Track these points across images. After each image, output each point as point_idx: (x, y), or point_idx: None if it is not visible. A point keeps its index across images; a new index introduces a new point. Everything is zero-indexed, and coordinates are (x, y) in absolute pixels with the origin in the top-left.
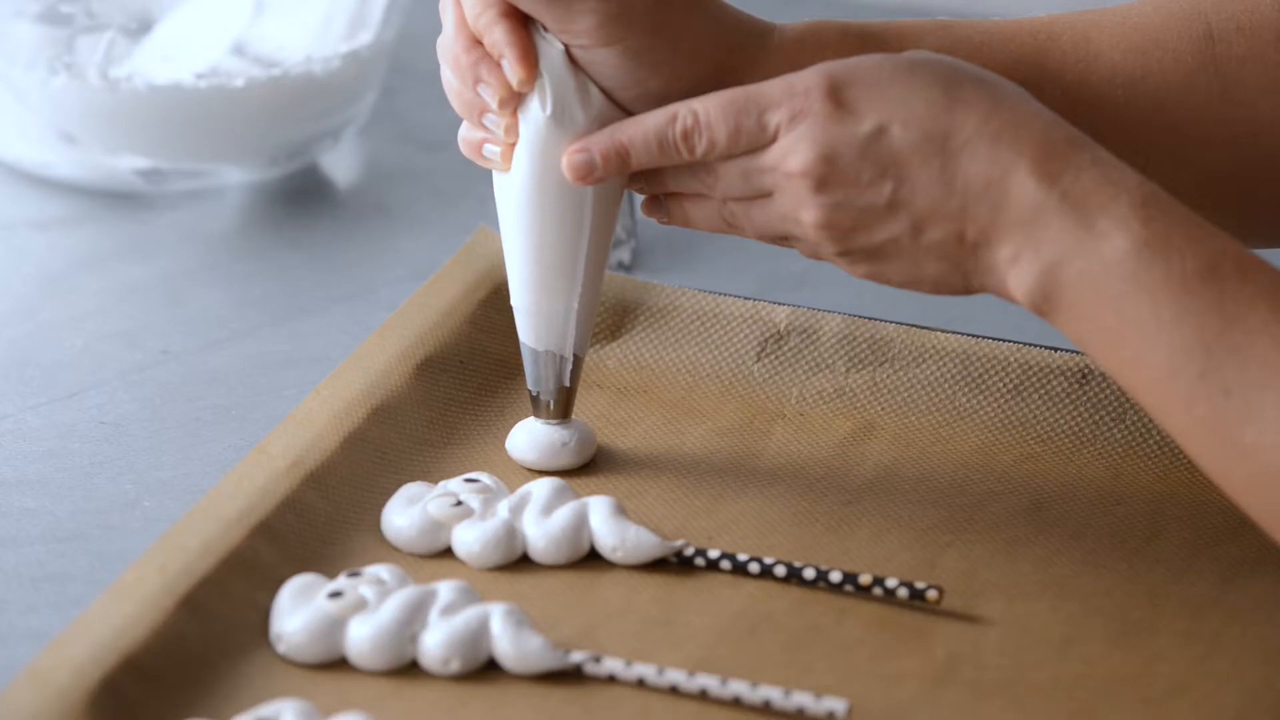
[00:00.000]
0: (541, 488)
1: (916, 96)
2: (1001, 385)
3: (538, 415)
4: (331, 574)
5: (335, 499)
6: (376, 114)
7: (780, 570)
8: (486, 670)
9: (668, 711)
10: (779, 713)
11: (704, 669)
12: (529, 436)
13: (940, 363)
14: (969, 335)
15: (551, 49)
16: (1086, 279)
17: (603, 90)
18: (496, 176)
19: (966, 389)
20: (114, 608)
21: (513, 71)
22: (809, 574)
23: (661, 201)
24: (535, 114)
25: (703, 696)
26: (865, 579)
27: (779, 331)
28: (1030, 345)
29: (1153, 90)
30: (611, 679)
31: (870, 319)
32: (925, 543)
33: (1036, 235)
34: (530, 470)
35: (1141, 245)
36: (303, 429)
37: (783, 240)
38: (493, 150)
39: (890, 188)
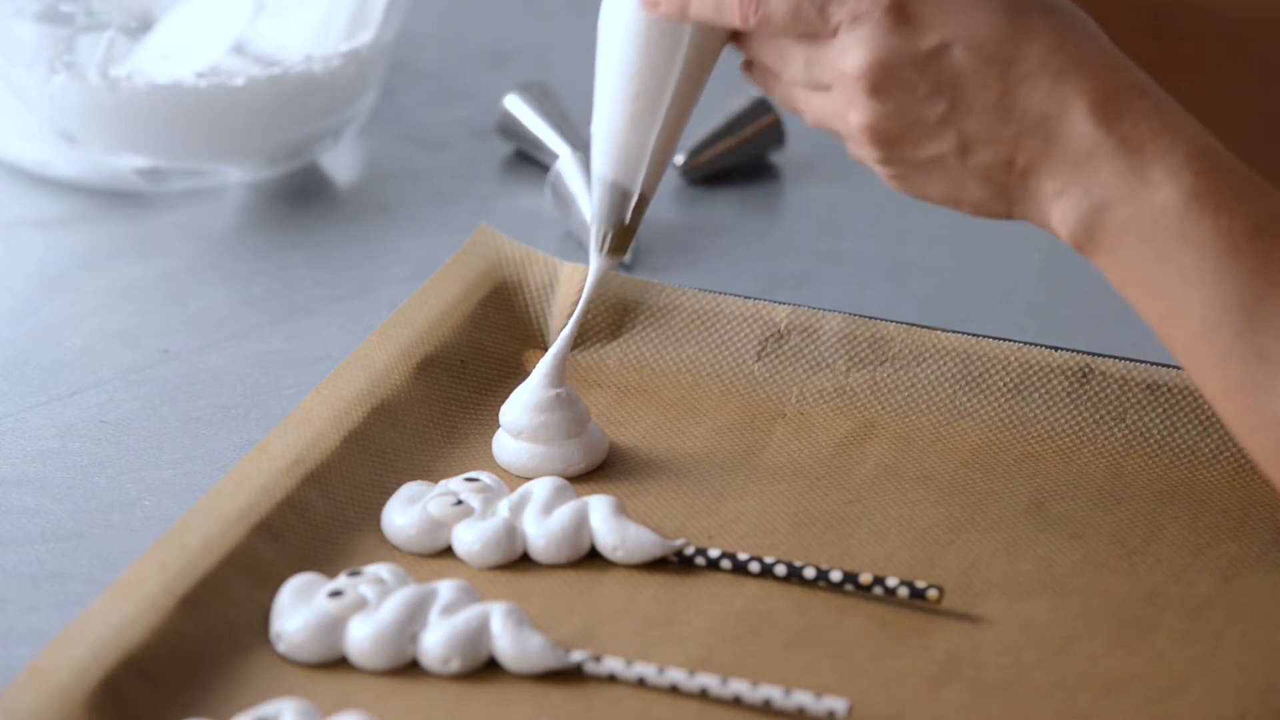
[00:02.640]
0: (542, 487)
1: (982, 19)
2: (1001, 385)
3: (594, 249)
4: (331, 573)
5: (335, 498)
6: (376, 114)
7: (780, 570)
8: (487, 669)
9: (668, 711)
10: (779, 712)
11: (704, 668)
12: (521, 448)
13: (940, 362)
14: (969, 334)
15: None
16: (1132, 225)
17: None
18: (605, 4)
19: (967, 388)
20: (114, 607)
21: None
22: (809, 573)
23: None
24: None
25: (703, 696)
26: (865, 578)
27: (779, 331)
28: (1030, 345)
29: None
30: (612, 678)
31: (871, 318)
32: (925, 542)
33: (1087, 175)
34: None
35: (1191, 198)
36: (303, 428)
37: (834, 134)
38: None
39: (944, 106)
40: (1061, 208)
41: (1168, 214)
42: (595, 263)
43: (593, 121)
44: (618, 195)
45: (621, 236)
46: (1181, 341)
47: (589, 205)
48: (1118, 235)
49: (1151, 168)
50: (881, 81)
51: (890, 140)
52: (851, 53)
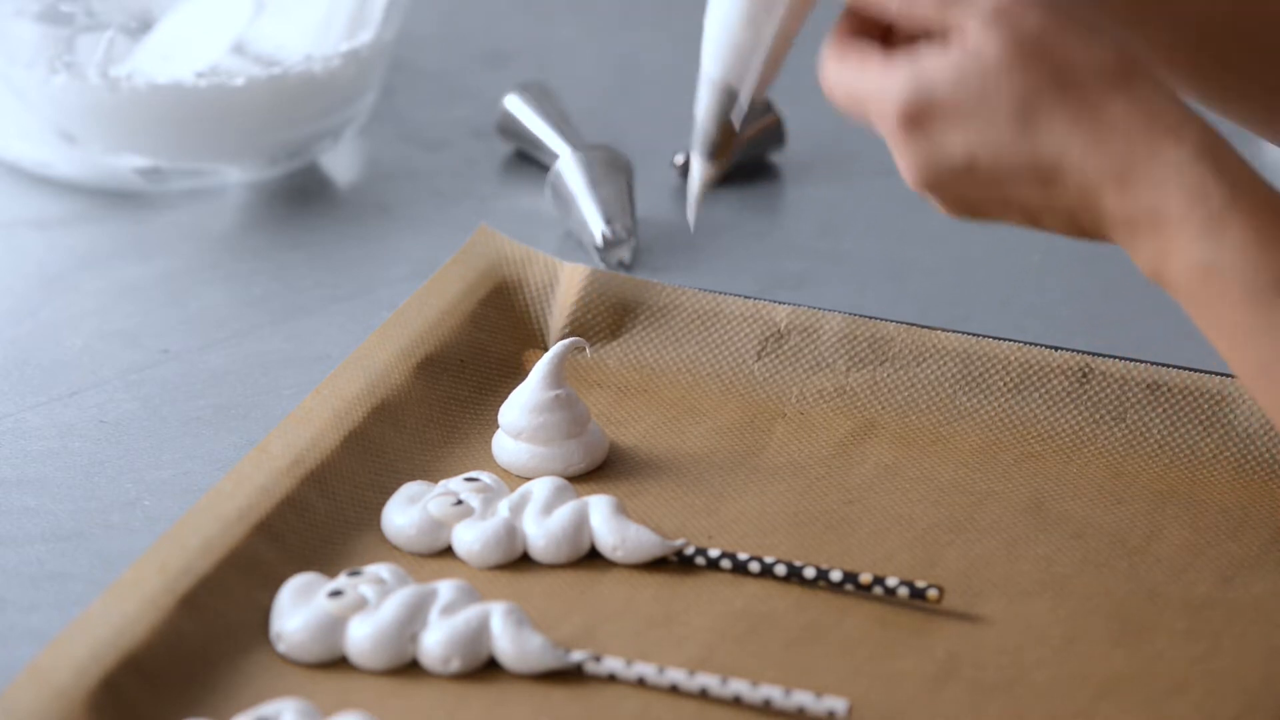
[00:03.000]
0: (542, 487)
1: (995, 129)
2: (1001, 384)
3: (693, 150)
4: (332, 573)
5: (335, 498)
6: (376, 114)
7: (780, 569)
8: (487, 669)
9: (668, 710)
10: (779, 712)
11: (704, 668)
12: (520, 447)
13: (940, 362)
14: (969, 334)
15: None
16: (1177, 284)
17: None
18: None
19: (967, 388)
20: (114, 607)
21: None
22: (809, 573)
23: None
24: None
25: (703, 696)
26: (865, 578)
27: (779, 330)
28: (1030, 344)
29: None
30: (612, 678)
31: (871, 318)
32: (925, 542)
33: (1133, 238)
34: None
35: (1210, 262)
36: (303, 428)
37: None
38: None
39: (991, 194)
40: (1131, 252)
41: (1191, 272)
42: (698, 167)
43: (705, 17)
44: (725, 96)
45: (725, 139)
46: (1242, 375)
47: (696, 103)
48: (1171, 288)
49: (1175, 235)
50: (926, 179)
51: (935, 186)
52: (893, 151)
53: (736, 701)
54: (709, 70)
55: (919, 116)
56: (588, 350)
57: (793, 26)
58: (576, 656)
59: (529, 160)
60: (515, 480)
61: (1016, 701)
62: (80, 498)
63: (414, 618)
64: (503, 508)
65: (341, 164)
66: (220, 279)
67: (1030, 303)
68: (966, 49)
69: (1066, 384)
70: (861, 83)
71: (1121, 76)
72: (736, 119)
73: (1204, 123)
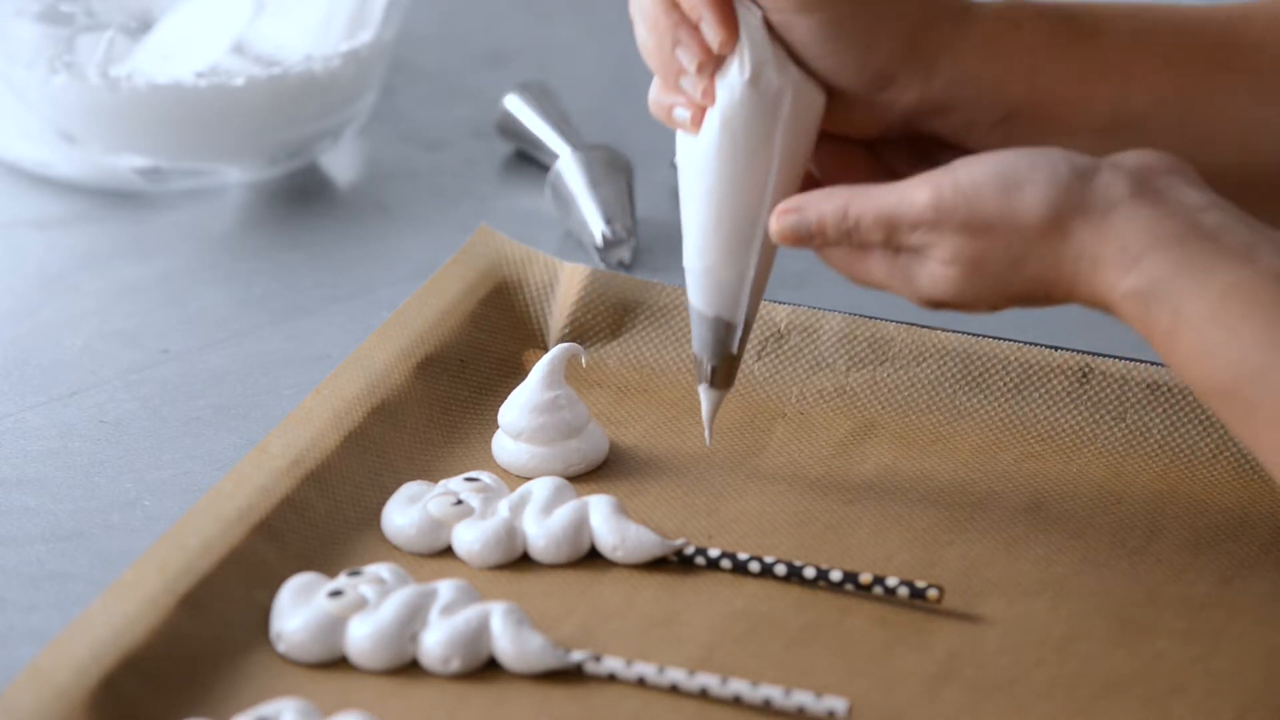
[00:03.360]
0: (542, 487)
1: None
2: (1002, 384)
3: (701, 381)
4: (332, 573)
5: (335, 498)
6: (376, 114)
7: (781, 569)
8: (487, 669)
9: (668, 710)
10: (779, 712)
11: (704, 668)
12: (520, 448)
13: (940, 362)
14: (969, 334)
15: (750, 13)
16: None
17: (797, 58)
18: (682, 139)
19: (967, 388)
20: (114, 607)
21: (713, 34)
22: (809, 573)
23: None
24: (732, 78)
25: (703, 695)
26: (866, 578)
27: (779, 330)
28: (1030, 344)
29: None
30: (612, 678)
31: (871, 318)
32: (925, 542)
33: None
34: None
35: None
36: (303, 428)
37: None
38: (684, 114)
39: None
40: None
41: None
42: (706, 396)
43: (685, 256)
44: (721, 328)
45: (727, 367)
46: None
47: (693, 337)
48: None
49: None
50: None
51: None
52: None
53: (736, 701)
54: (699, 308)
55: (938, 308)
56: (583, 359)
57: (770, 254)
58: (576, 656)
59: (529, 160)
60: (515, 480)
61: (1016, 701)
62: (80, 498)
63: (414, 618)
64: (503, 508)
65: (341, 164)
66: (220, 279)
67: None
68: (935, 260)
69: (1066, 384)
70: (876, 280)
71: (1055, 230)
72: (735, 346)
73: (1137, 247)
